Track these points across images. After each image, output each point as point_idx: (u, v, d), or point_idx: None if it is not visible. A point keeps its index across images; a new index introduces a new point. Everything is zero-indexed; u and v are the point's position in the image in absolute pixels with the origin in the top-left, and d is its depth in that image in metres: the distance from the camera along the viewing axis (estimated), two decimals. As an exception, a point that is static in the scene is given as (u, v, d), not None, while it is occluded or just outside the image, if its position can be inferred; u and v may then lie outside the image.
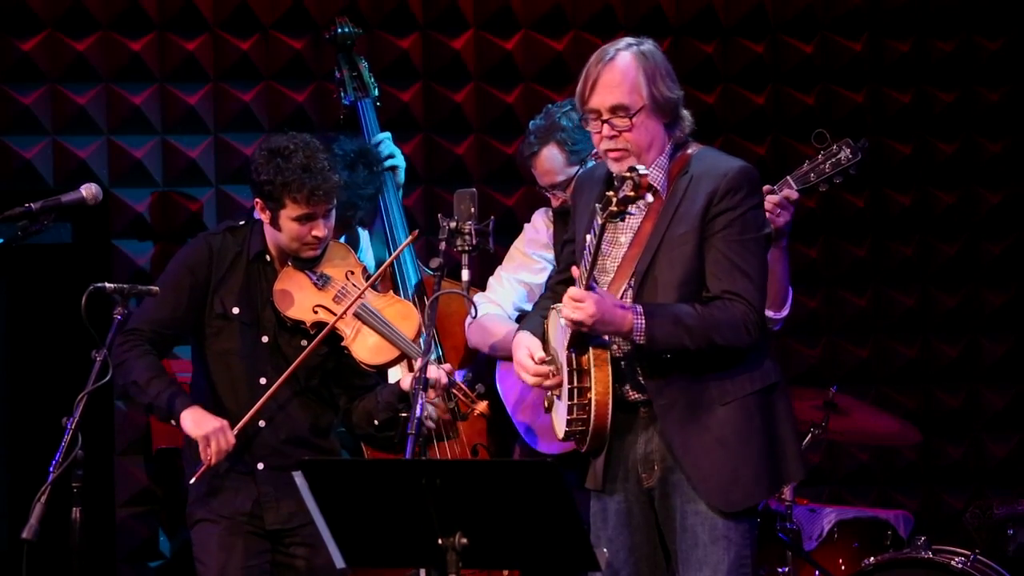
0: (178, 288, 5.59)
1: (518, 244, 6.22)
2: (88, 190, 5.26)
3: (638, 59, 4.91)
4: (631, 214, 4.73)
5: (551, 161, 5.99)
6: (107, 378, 4.99)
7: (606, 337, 4.87)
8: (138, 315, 5.56)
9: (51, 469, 4.85)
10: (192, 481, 5.46)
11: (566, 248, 5.22)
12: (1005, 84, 8.22)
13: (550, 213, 6.17)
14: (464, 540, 4.18)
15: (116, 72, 7.38)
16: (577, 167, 5.92)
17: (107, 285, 5.17)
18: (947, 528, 7.60)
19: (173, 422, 5.48)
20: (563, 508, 4.17)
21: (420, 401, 4.96)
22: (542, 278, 6.13)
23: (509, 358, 5.93)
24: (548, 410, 5.13)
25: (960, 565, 6.27)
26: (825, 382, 7.36)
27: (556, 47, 7.78)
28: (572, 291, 4.75)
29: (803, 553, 6.57)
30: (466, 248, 5.23)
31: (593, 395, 4.84)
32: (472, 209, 5.25)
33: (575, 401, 4.85)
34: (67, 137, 7.32)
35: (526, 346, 5.03)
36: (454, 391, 5.62)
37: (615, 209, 4.65)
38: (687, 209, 4.86)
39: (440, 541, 4.19)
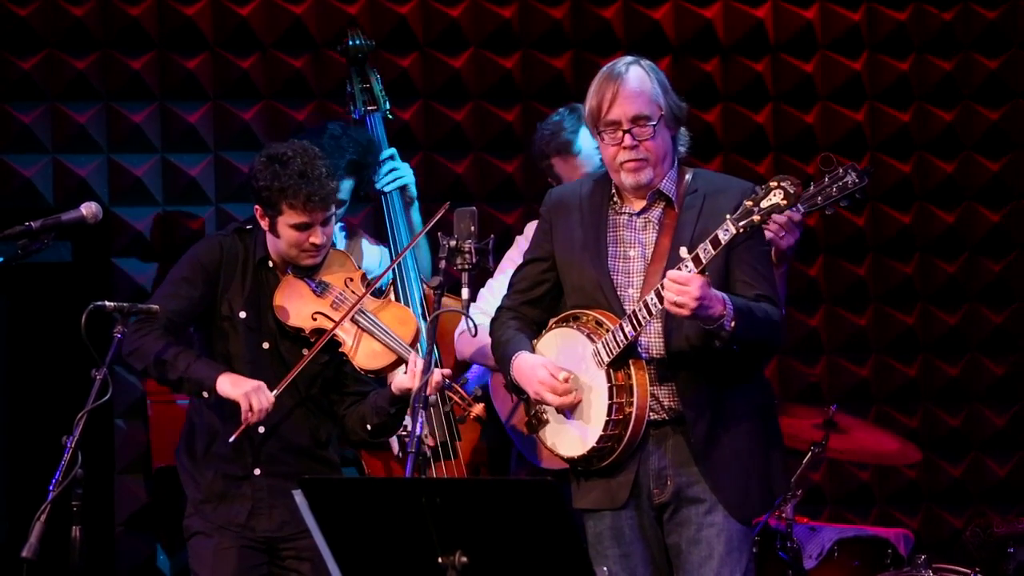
0: (191, 280, 5.59)
1: (510, 255, 6.21)
2: (88, 208, 5.26)
3: (649, 72, 5.06)
4: (768, 224, 4.80)
5: (588, 155, 5.98)
6: (107, 396, 4.99)
7: (640, 350, 4.96)
8: (151, 303, 5.52)
9: (51, 488, 4.85)
10: (232, 440, 5.43)
11: (530, 267, 5.25)
12: (1004, 103, 8.23)
13: None
14: (464, 559, 4.18)
15: (116, 90, 7.39)
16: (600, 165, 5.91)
17: (107, 304, 5.17)
18: (947, 547, 7.60)
19: (205, 394, 5.46)
20: (563, 527, 4.17)
21: (420, 419, 4.97)
22: None
23: (499, 370, 5.94)
24: (534, 431, 5.16)
25: (960, 584, 6.28)
26: (825, 400, 7.36)
27: (556, 65, 7.79)
28: (675, 274, 4.76)
29: (803, 571, 6.56)
30: (466, 266, 5.23)
31: (634, 410, 4.94)
32: (472, 228, 5.26)
33: (611, 417, 4.94)
34: (67, 155, 7.33)
35: (543, 366, 5.05)
36: (450, 393, 5.61)
37: (757, 219, 4.69)
38: (710, 224, 4.89)
39: (440, 560, 4.19)
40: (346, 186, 6.19)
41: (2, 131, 7.28)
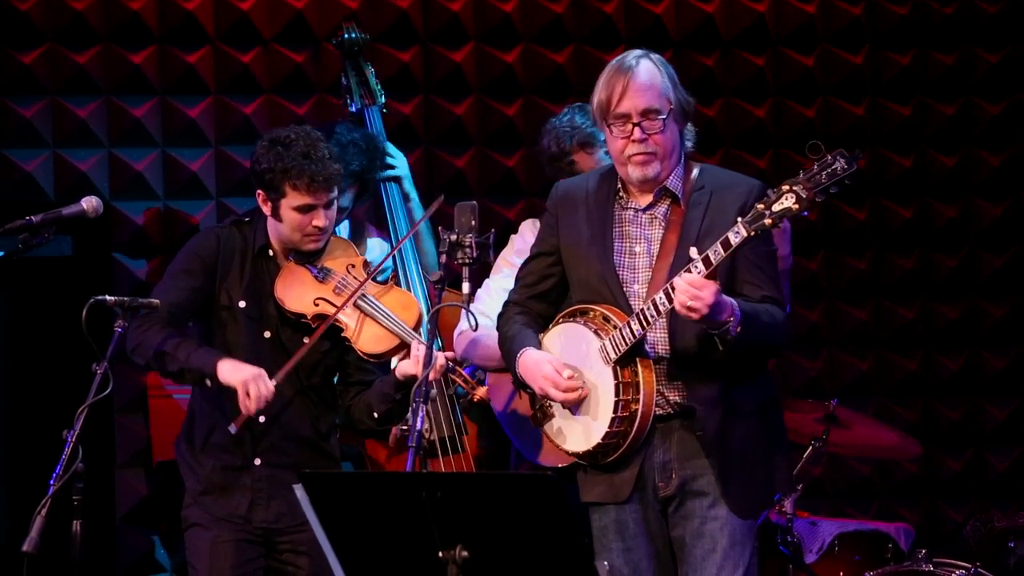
0: (190, 273, 5.58)
1: (506, 255, 6.20)
2: (89, 203, 5.26)
3: (659, 66, 5.07)
4: (778, 227, 4.81)
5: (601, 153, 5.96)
6: (107, 391, 4.99)
7: (647, 347, 4.98)
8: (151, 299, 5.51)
9: (51, 482, 4.85)
10: (233, 430, 5.42)
11: (536, 261, 5.26)
12: (1005, 97, 8.23)
13: (538, 224, 6.16)
14: (465, 553, 4.18)
15: (117, 85, 7.38)
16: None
17: (108, 298, 5.17)
18: (948, 541, 7.59)
19: (208, 382, 5.44)
20: (563, 522, 4.17)
21: (420, 413, 4.97)
22: None
23: (497, 369, 5.95)
24: (539, 424, 5.17)
25: (961, 578, 6.28)
26: (826, 395, 7.36)
27: (557, 60, 7.78)
28: (690, 278, 4.77)
29: (804, 566, 6.56)
30: (467, 261, 5.24)
31: (640, 407, 4.96)
32: (473, 222, 5.26)
33: (617, 414, 4.96)
34: (68, 150, 7.32)
35: (548, 362, 5.07)
36: (453, 376, 5.61)
37: (768, 222, 4.73)
38: (717, 221, 4.91)
39: (441, 554, 4.19)
40: (348, 195, 6.18)
41: (3, 125, 7.27)
